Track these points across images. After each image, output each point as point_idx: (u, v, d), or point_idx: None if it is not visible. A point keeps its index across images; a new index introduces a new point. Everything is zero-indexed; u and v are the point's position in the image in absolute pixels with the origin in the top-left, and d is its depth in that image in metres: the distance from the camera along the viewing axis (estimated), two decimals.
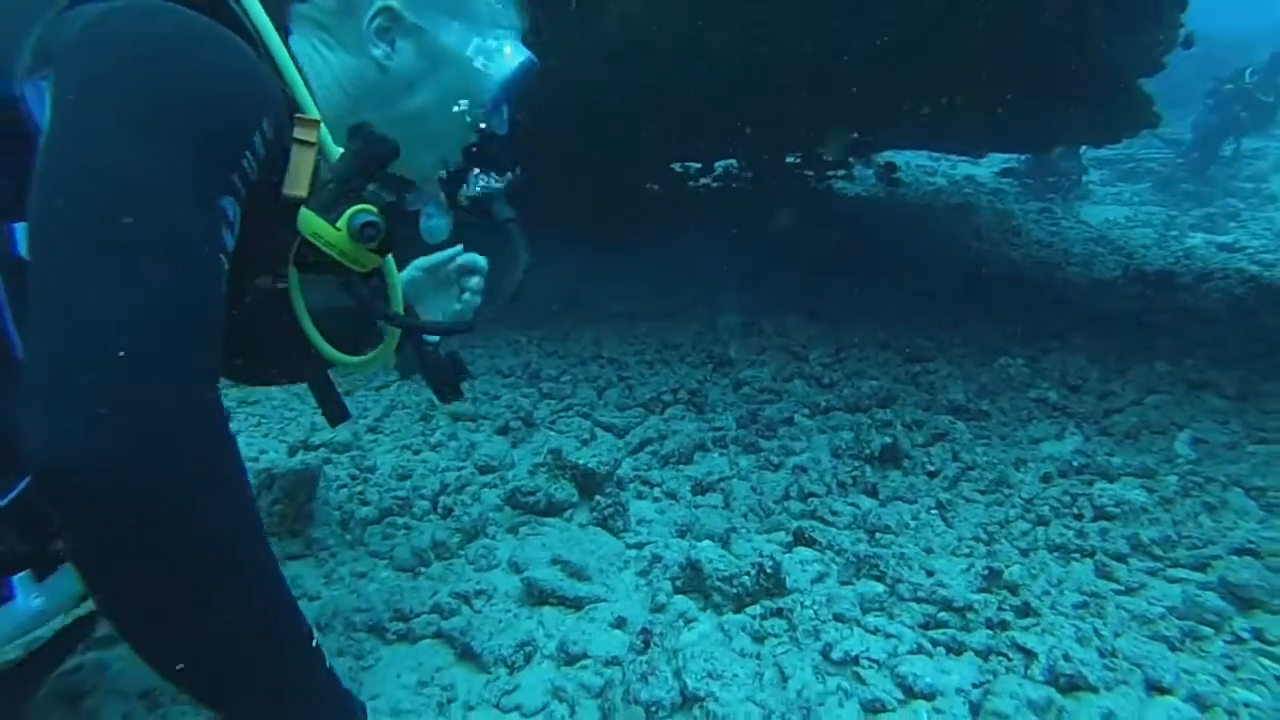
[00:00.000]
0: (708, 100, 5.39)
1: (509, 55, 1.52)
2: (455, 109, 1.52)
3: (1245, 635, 2.14)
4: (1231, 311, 5.32)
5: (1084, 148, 10.94)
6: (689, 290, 5.46)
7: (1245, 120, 12.69)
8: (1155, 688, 1.94)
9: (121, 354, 0.90)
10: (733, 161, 8.25)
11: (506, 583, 2.46)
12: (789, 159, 7.82)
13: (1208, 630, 2.15)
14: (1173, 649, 2.07)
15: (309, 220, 1.29)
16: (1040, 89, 5.37)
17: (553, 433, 3.44)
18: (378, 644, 2.19)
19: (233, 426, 3.04)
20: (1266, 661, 2.03)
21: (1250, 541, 2.49)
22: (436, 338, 1.98)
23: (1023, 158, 10.78)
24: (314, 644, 1.20)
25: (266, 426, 3.54)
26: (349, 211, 1.30)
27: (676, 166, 7.88)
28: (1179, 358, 4.13)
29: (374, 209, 1.33)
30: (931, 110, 5.49)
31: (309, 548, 2.64)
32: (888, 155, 9.15)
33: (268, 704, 1.13)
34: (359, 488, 2.89)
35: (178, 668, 1.03)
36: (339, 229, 1.30)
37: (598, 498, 2.86)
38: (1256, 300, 5.64)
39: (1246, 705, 1.85)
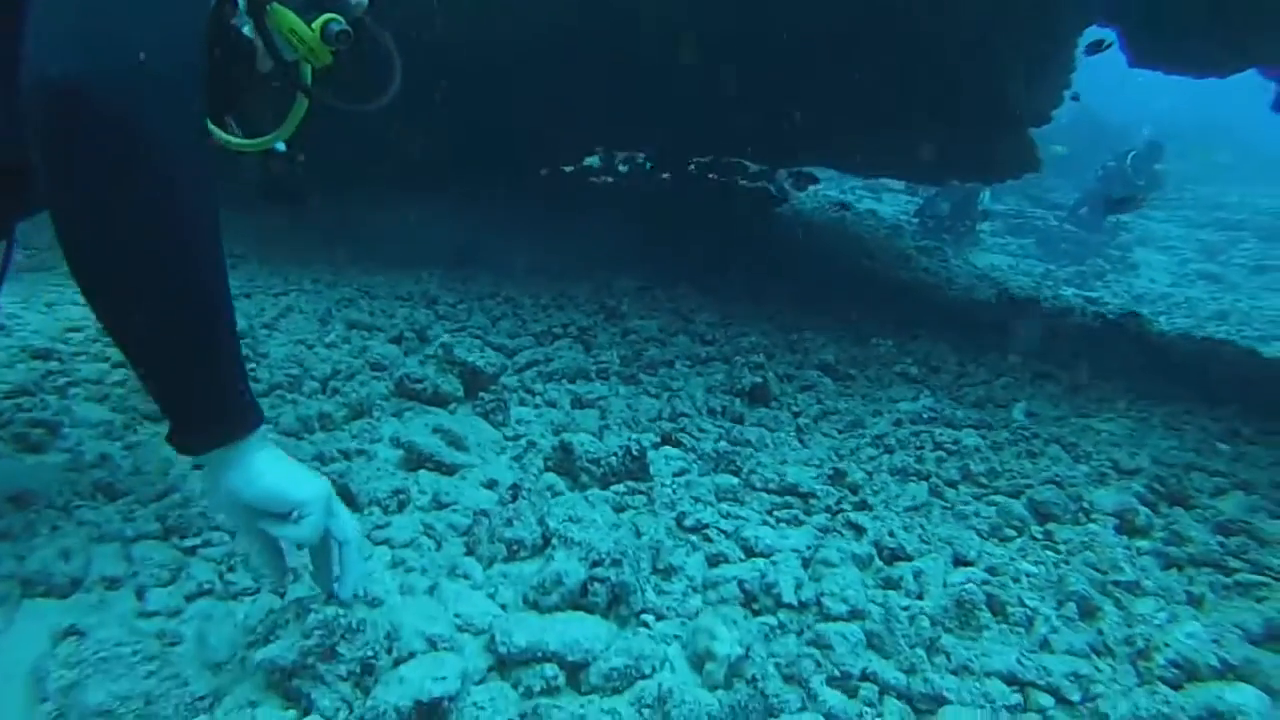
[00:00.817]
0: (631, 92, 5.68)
1: None
2: None
3: (1039, 536, 2.52)
4: (1083, 334, 5.95)
5: (984, 196, 11.88)
6: (591, 257, 5.69)
7: (1114, 201, 14.05)
8: (960, 561, 2.27)
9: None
10: (640, 156, 8.60)
11: (387, 451, 2.60)
12: (702, 160, 8.22)
13: (1011, 531, 2.52)
14: (980, 538, 2.42)
15: (284, 16, 1.50)
16: (941, 122, 5.88)
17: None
18: None
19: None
20: (1049, 553, 2.41)
21: (1058, 476, 2.89)
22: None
23: (931, 196, 11.62)
24: (235, 328, 1.34)
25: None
26: (324, 17, 1.53)
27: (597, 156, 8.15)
28: (1030, 358, 4.62)
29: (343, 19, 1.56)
30: (842, 133, 5.94)
31: None
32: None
33: (179, 358, 1.27)
34: (250, 366, 2.96)
35: (109, 281, 1.20)
36: (313, 30, 1.53)
37: (482, 394, 3.04)
38: (1105, 332, 6.31)
39: (1027, 575, 2.20)
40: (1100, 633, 1.99)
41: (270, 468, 1.40)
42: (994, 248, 12.76)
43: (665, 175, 8.67)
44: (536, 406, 3.19)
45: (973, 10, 5.06)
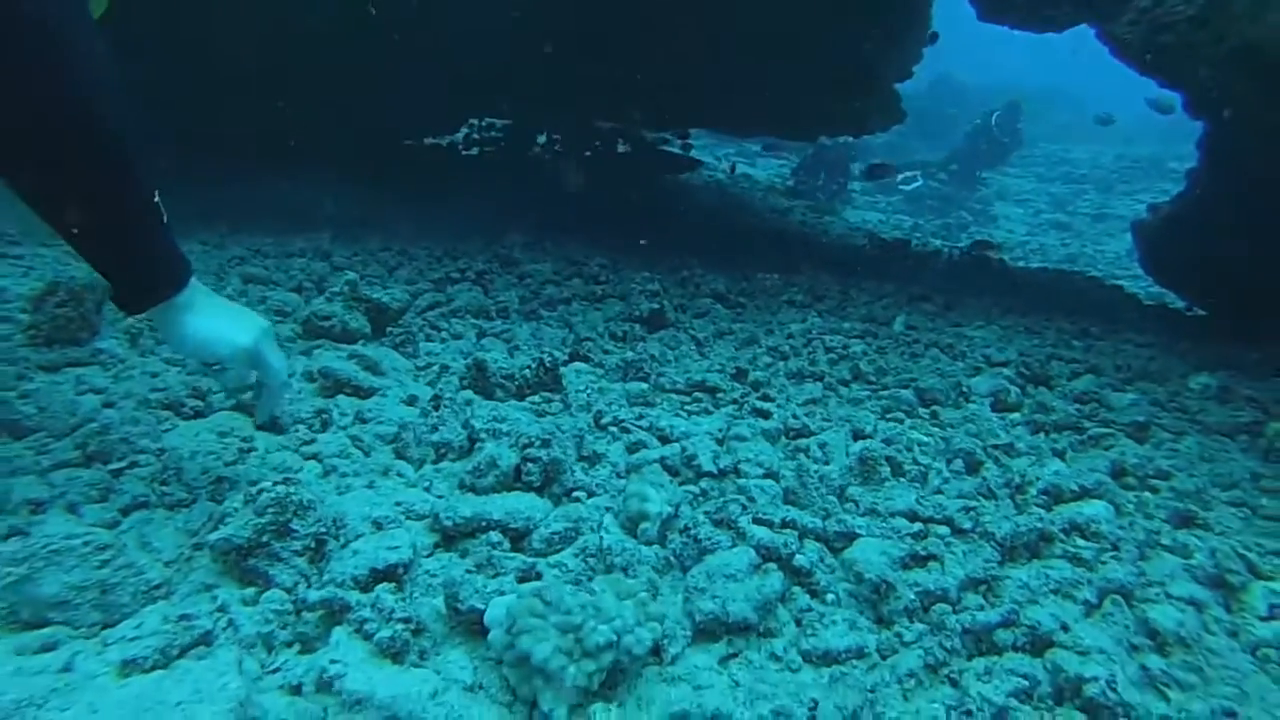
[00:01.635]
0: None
1: None
2: None
3: (925, 416, 2.80)
4: (951, 269, 6.43)
5: (854, 161, 12.51)
6: (478, 218, 5.73)
7: (985, 153, 15.05)
8: (859, 435, 2.52)
9: None
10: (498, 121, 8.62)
11: (302, 384, 2.63)
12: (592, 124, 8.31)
13: (900, 414, 2.79)
14: (875, 417, 2.68)
15: None
16: (812, 82, 6.18)
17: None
18: (173, 418, 2.30)
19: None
20: (934, 428, 2.68)
21: (938, 371, 3.21)
22: None
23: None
24: (153, 191, 1.42)
25: (37, 275, 3.41)
26: None
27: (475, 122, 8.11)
28: (907, 285, 5.00)
29: None
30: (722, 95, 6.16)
31: (95, 356, 2.66)
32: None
33: (104, 223, 1.36)
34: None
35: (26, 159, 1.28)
36: None
37: (390, 329, 3.09)
38: (970, 266, 6.83)
39: (919, 444, 2.47)
40: (984, 480, 2.27)
41: (199, 324, 1.56)
42: (864, 205, 13.41)
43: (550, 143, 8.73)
44: (443, 340, 3.26)
45: None
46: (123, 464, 2.00)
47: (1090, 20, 5.33)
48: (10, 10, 1.17)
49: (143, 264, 1.50)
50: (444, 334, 3.31)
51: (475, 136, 8.41)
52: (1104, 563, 1.92)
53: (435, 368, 2.89)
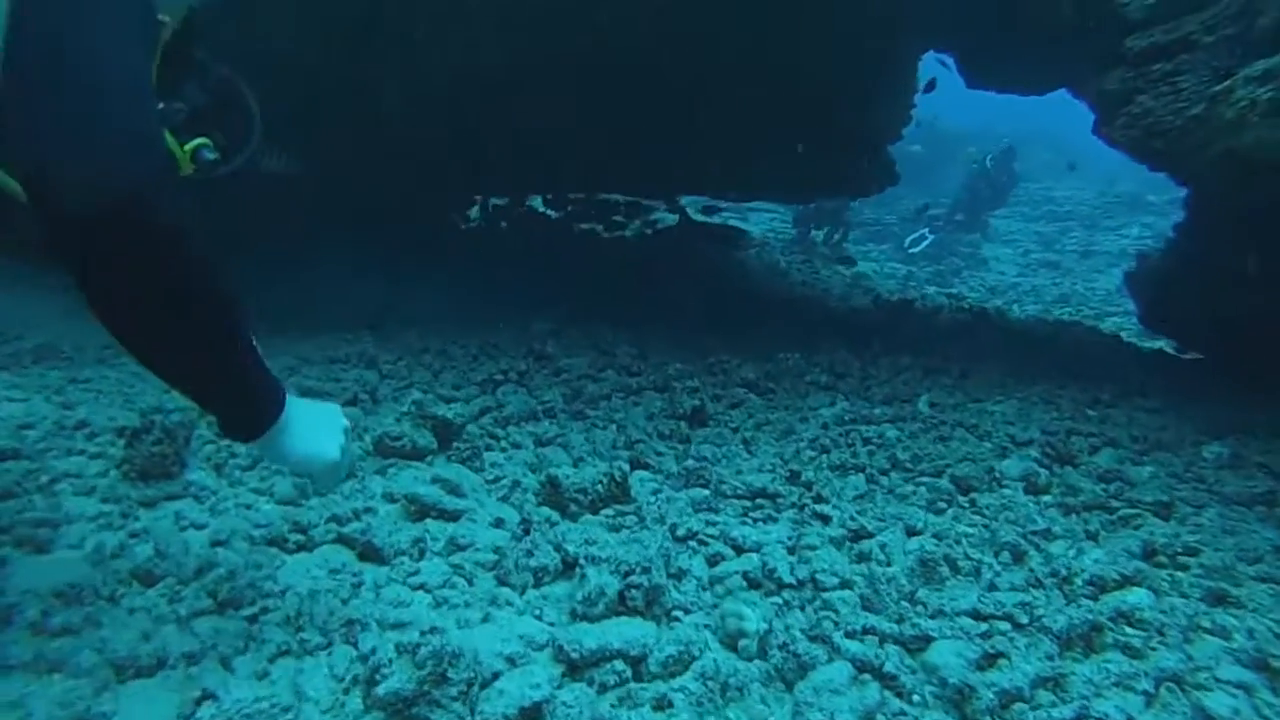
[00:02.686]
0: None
1: None
2: None
3: (964, 505, 3.08)
4: (956, 328, 6.77)
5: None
6: (499, 299, 6.04)
7: (985, 197, 15.62)
8: (911, 531, 2.79)
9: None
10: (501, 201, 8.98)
11: (385, 506, 2.89)
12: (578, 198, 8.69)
13: (943, 504, 3.07)
14: (922, 511, 2.95)
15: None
16: (816, 150, 6.58)
17: (396, 405, 3.86)
18: (279, 554, 2.54)
19: (72, 397, 3.32)
20: (976, 518, 2.96)
21: (969, 455, 3.50)
22: None
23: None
24: (250, 338, 1.70)
25: (108, 399, 3.66)
26: (197, 142, 1.89)
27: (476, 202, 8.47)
28: (919, 355, 5.31)
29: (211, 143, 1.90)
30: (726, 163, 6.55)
31: (186, 489, 2.90)
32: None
33: (217, 383, 1.64)
34: (225, 443, 3.16)
35: (156, 344, 1.53)
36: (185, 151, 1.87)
37: (455, 444, 3.36)
38: (974, 322, 7.18)
39: (966, 536, 2.74)
40: (1031, 570, 2.54)
41: (297, 446, 1.85)
42: (857, 255, 13.85)
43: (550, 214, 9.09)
44: (504, 450, 3.52)
45: (832, 48, 5.77)
46: (255, 609, 2.24)
47: (1068, 87, 5.75)
48: (150, 221, 1.38)
49: (251, 400, 1.76)
50: (503, 443, 3.58)
51: (489, 211, 8.77)
52: (1154, 649, 2.19)
53: (506, 481, 3.15)
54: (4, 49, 1.30)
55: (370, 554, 2.55)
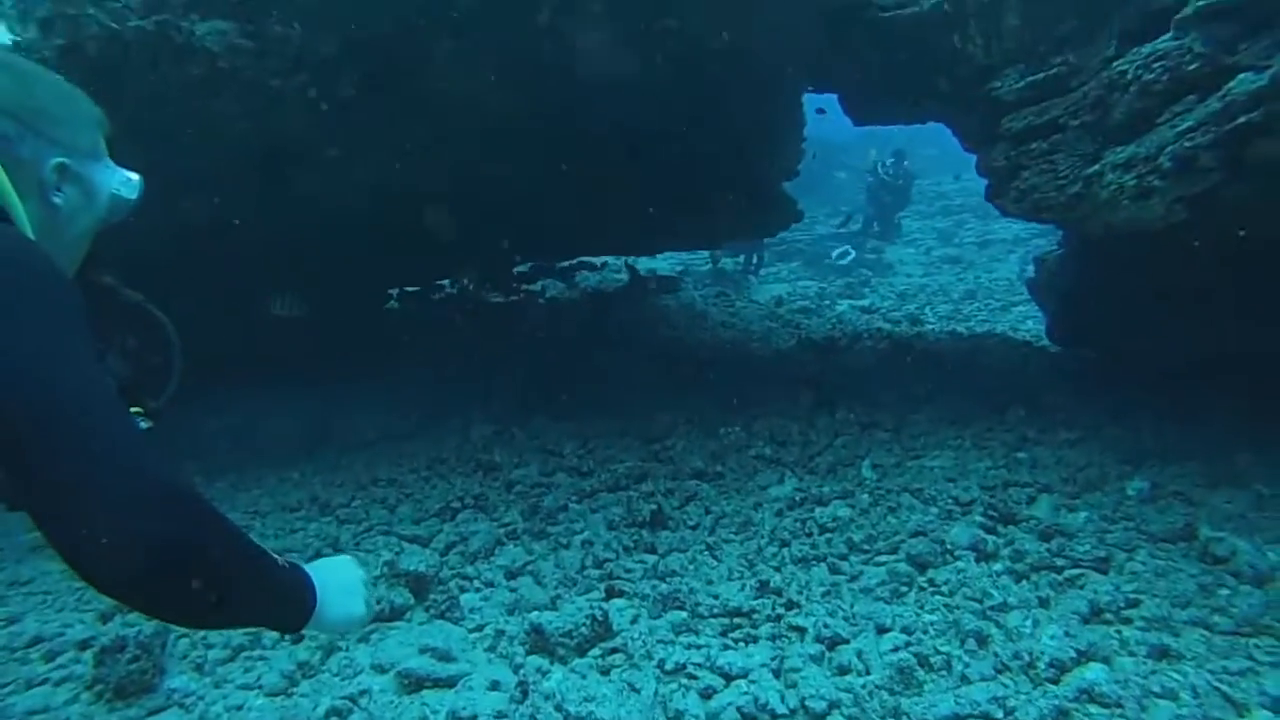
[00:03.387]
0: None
1: (136, 181, 2.23)
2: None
3: (925, 586, 3.33)
4: (880, 363, 7.12)
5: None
6: (431, 401, 6.12)
7: (890, 202, 16.30)
8: (881, 629, 3.01)
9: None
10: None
11: (379, 681, 2.97)
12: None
13: (904, 588, 3.31)
14: (886, 603, 3.19)
15: None
16: (715, 202, 6.88)
17: (361, 552, 3.94)
18: None
19: (18, 608, 3.33)
20: (938, 598, 3.22)
21: (919, 528, 3.76)
22: None
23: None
24: (281, 563, 1.87)
25: (60, 600, 3.63)
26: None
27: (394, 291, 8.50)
28: (851, 406, 5.60)
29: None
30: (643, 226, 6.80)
31: (170, 699, 2.94)
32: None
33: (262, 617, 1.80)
34: (199, 635, 3.20)
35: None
36: None
37: (431, 596, 3.46)
38: (894, 352, 7.55)
39: (932, 624, 2.98)
40: (996, 655, 2.80)
41: (332, 614, 1.96)
42: (769, 278, 14.27)
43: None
44: (479, 589, 3.64)
45: (737, 107, 6.09)
46: None
47: (941, 121, 6.16)
48: (189, 556, 1.52)
49: (293, 608, 1.89)
50: (476, 582, 3.69)
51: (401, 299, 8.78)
52: None
53: (489, 630, 3.27)
54: None
55: None
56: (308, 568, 2.05)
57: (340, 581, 2.12)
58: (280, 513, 4.38)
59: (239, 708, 2.91)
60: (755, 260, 13.43)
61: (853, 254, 14.71)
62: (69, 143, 1.93)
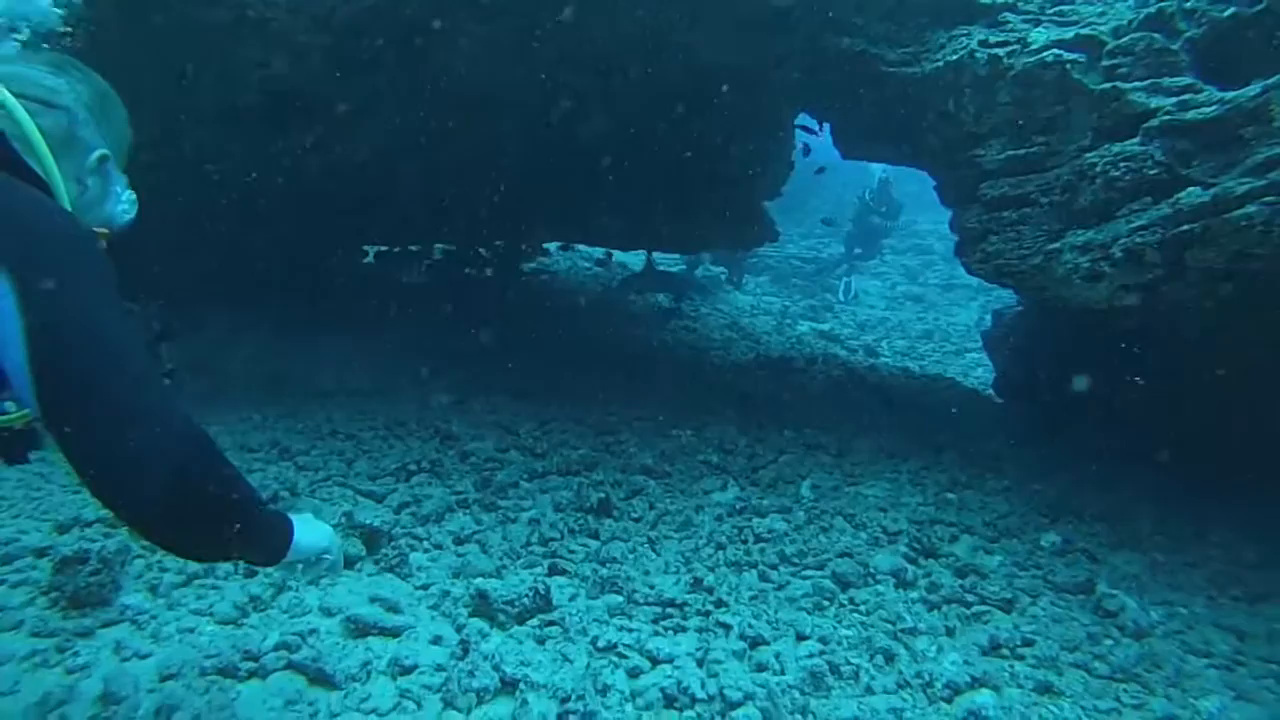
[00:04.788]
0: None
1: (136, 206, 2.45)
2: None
3: (845, 603, 3.66)
4: (831, 389, 7.49)
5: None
6: (393, 367, 6.31)
7: (874, 227, 16.80)
8: (800, 636, 3.33)
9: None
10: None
11: (326, 622, 3.20)
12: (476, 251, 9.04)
13: (826, 603, 3.64)
14: (808, 614, 3.51)
15: None
16: (696, 210, 7.18)
17: (317, 500, 4.15)
18: (233, 685, 2.83)
19: None
20: (855, 615, 3.55)
21: (847, 549, 4.09)
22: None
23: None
24: (268, 506, 2.10)
25: (17, 508, 3.78)
26: None
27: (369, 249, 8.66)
28: (800, 427, 5.94)
29: None
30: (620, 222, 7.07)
31: (123, 614, 3.13)
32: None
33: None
34: (155, 558, 3.39)
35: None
36: None
37: (382, 550, 3.70)
38: (847, 379, 7.94)
39: (846, 638, 3.31)
40: (900, 672, 3.13)
41: (307, 545, 2.21)
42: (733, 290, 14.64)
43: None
44: (428, 550, 3.87)
45: (720, 121, 6.39)
46: None
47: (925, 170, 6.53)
48: (201, 496, 1.78)
49: (277, 545, 2.12)
50: (426, 544, 3.93)
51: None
52: None
53: (435, 590, 3.51)
54: (35, 384, 1.63)
55: (321, 680, 2.88)
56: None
57: (312, 525, 2.39)
58: (239, 452, 4.56)
59: (190, 630, 3.11)
60: (737, 274, 13.81)
61: (855, 287, 15.18)
62: (113, 148, 2.19)
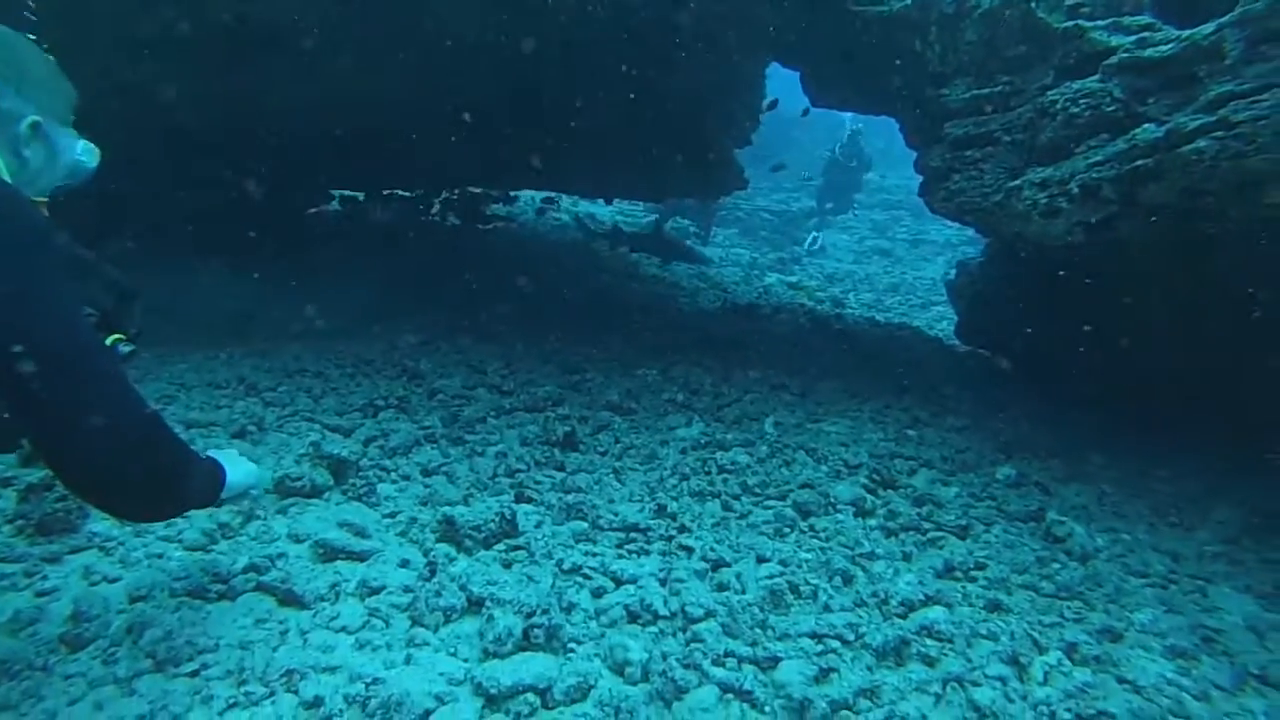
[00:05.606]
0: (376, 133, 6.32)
1: (95, 150, 2.47)
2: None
3: (806, 530, 3.76)
4: (797, 335, 7.58)
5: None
6: (360, 308, 6.30)
7: (844, 182, 16.88)
8: (760, 559, 3.43)
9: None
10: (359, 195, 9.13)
11: (295, 548, 3.24)
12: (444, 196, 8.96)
13: (787, 530, 3.74)
14: (769, 539, 3.61)
15: None
16: (665, 156, 7.17)
17: (284, 434, 4.16)
18: (202, 605, 2.87)
19: None
20: (815, 541, 3.65)
21: (808, 481, 4.19)
22: None
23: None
24: (203, 455, 2.32)
25: None
26: (113, 339, 2.28)
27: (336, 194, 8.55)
28: (765, 369, 6.02)
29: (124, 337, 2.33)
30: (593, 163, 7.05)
31: (90, 540, 3.14)
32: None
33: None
34: None
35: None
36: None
37: (350, 481, 3.73)
38: (812, 327, 8.03)
39: (806, 561, 3.41)
40: (857, 592, 3.24)
41: (238, 482, 2.49)
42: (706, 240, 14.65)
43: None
44: (395, 482, 3.91)
45: (691, 68, 6.36)
46: (195, 665, 2.59)
47: (892, 115, 6.58)
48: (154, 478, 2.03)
49: (211, 494, 2.35)
50: (394, 475, 3.96)
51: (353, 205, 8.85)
52: (945, 656, 2.92)
53: (403, 517, 3.56)
54: None
55: (291, 600, 2.93)
56: (213, 454, 2.49)
57: (239, 464, 2.57)
58: (206, 388, 4.55)
59: (159, 556, 3.13)
60: (706, 227, 13.81)
61: (820, 240, 15.25)
62: (45, 106, 2.18)
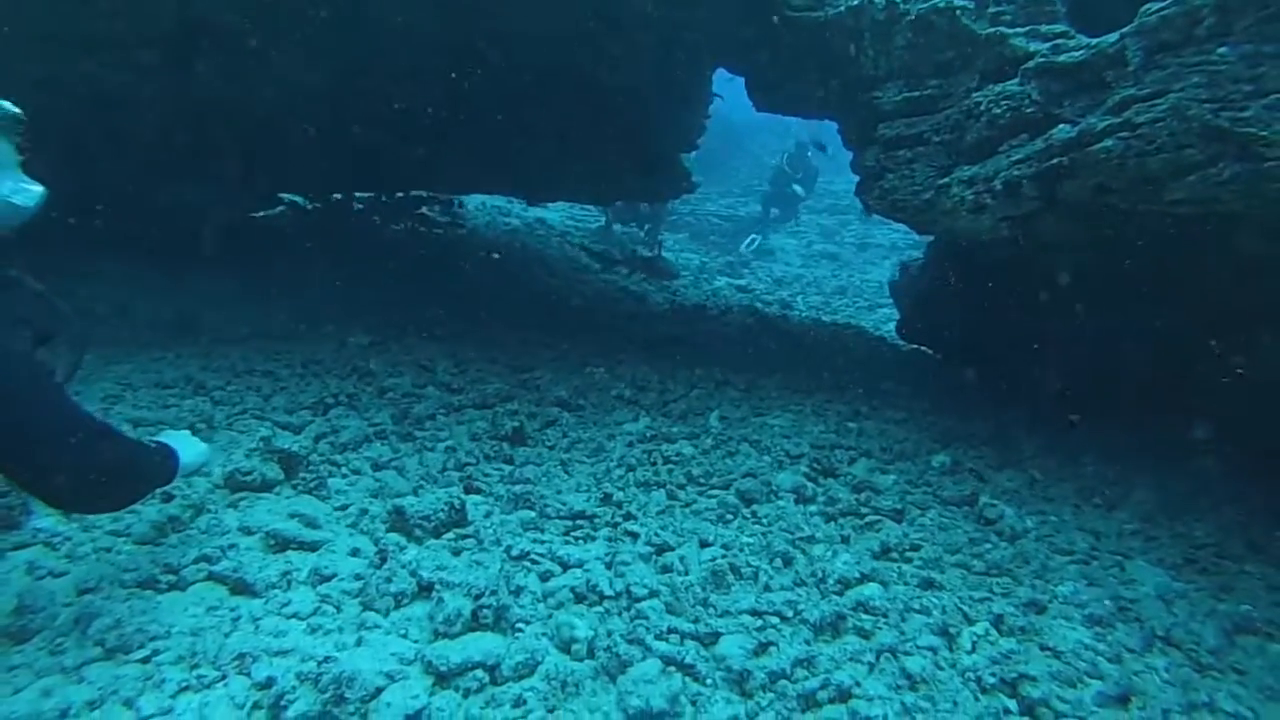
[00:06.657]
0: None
1: (36, 191, 2.54)
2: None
3: (748, 516, 3.90)
4: (744, 334, 7.76)
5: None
6: (306, 311, 6.32)
7: (789, 192, 17.15)
8: (704, 544, 3.56)
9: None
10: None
11: (245, 539, 3.29)
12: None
13: (729, 516, 3.88)
14: (712, 524, 3.74)
15: None
16: (611, 158, 7.30)
17: (233, 432, 4.20)
18: (153, 595, 2.91)
19: None
20: (757, 527, 3.79)
21: (751, 470, 4.34)
22: None
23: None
24: (151, 445, 2.57)
25: None
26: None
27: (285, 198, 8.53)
28: (711, 366, 6.17)
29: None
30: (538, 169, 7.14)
31: (35, 537, 3.16)
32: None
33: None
34: None
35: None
36: None
37: (301, 475, 3.79)
38: (759, 328, 8.21)
39: (748, 545, 3.55)
40: (797, 572, 3.38)
41: (191, 461, 2.80)
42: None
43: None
44: (346, 476, 3.97)
45: (637, 71, 6.50)
46: (146, 652, 2.64)
47: (831, 118, 6.78)
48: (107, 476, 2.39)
49: (167, 476, 2.59)
50: (344, 469, 4.02)
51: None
52: (879, 629, 3.08)
53: (354, 509, 3.63)
54: None
55: (242, 589, 2.99)
56: (163, 438, 2.75)
57: (188, 442, 2.76)
58: (152, 388, 4.55)
59: (108, 550, 3.16)
60: (655, 232, 13.96)
61: (759, 242, 15.47)
62: None
